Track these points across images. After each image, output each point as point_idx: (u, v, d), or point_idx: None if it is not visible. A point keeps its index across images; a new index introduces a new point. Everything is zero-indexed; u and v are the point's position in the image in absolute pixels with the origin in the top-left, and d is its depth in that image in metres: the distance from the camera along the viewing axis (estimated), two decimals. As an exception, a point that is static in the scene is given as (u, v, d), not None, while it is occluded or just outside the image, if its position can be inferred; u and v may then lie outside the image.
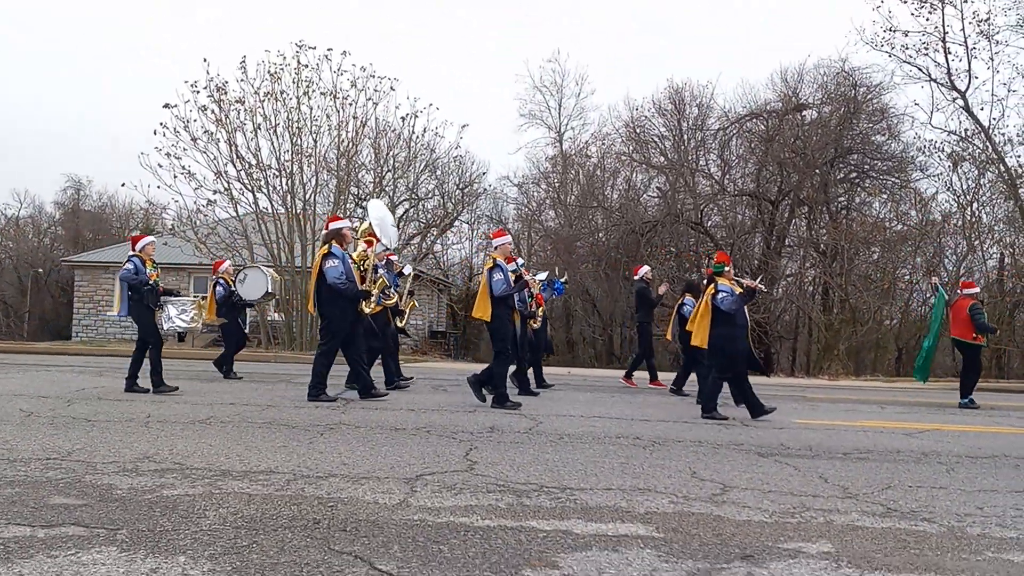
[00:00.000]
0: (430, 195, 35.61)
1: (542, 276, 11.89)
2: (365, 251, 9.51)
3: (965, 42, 22.56)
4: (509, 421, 7.28)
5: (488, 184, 38.73)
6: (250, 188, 23.59)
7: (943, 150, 24.50)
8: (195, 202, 23.35)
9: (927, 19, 22.79)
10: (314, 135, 23.63)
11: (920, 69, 23.28)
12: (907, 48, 23.12)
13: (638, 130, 31.91)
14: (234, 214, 23.84)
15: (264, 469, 4.65)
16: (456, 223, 38.06)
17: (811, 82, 28.61)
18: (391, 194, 27.88)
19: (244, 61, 23.15)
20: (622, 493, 4.30)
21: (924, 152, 25.36)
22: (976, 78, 22.96)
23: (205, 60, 23.14)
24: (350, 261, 8.85)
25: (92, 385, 9.98)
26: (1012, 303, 23.00)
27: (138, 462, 4.74)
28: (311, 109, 23.40)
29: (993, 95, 23.43)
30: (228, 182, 23.17)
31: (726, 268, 8.52)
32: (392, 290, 10.28)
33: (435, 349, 28.64)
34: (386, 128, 25.10)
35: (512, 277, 8.60)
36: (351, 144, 24.12)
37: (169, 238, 23.63)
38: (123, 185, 38.24)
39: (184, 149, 22.52)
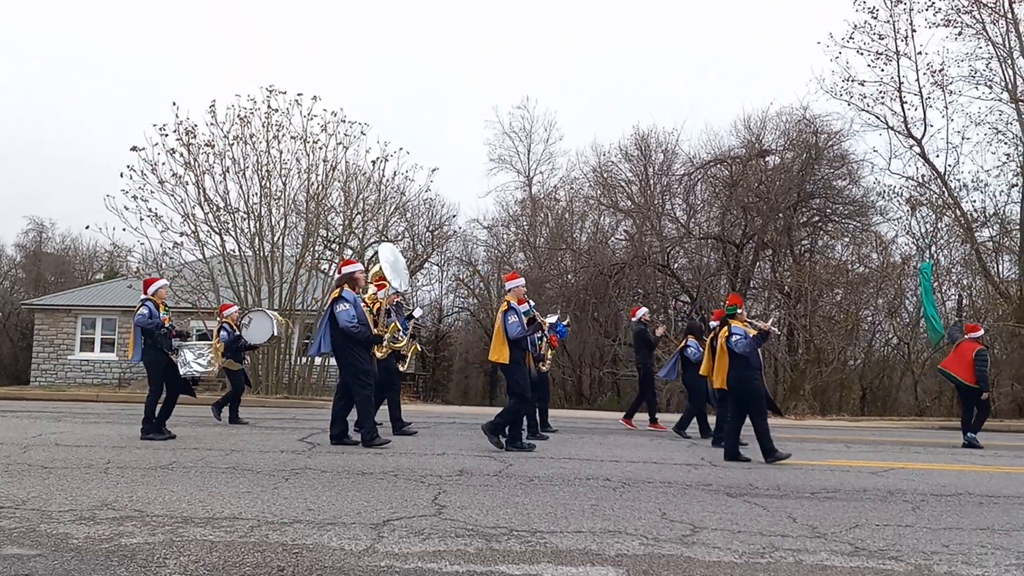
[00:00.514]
0: (400, 237, 35.60)
1: (552, 319, 11.91)
2: (375, 294, 9.45)
3: (920, 92, 23.37)
4: (479, 464, 7.21)
5: (458, 226, 38.93)
6: (218, 231, 23.42)
7: (902, 195, 25.19)
8: (161, 244, 23.11)
9: (883, 70, 23.59)
10: (283, 178, 23.63)
11: (878, 117, 24.01)
12: (865, 97, 23.86)
13: (606, 175, 32.42)
14: (201, 257, 23.61)
15: (227, 515, 4.54)
16: (426, 265, 38.08)
17: (774, 129, 29.39)
18: (360, 236, 27.82)
19: (214, 105, 23.12)
20: (592, 535, 4.26)
21: (884, 197, 26.05)
22: (931, 126, 23.76)
23: (174, 104, 22.95)
24: (363, 305, 8.76)
25: (50, 431, 9.72)
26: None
27: (96, 510, 4.61)
28: (281, 152, 23.43)
29: (948, 142, 24.31)
30: (195, 225, 22.98)
31: (739, 310, 8.60)
32: (402, 333, 10.23)
33: (403, 391, 28.34)
34: (356, 171, 25.16)
35: (525, 320, 8.60)
36: (321, 187, 24.13)
37: (134, 280, 23.28)
38: (87, 228, 37.75)
39: (151, 192, 22.35)
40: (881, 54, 23.48)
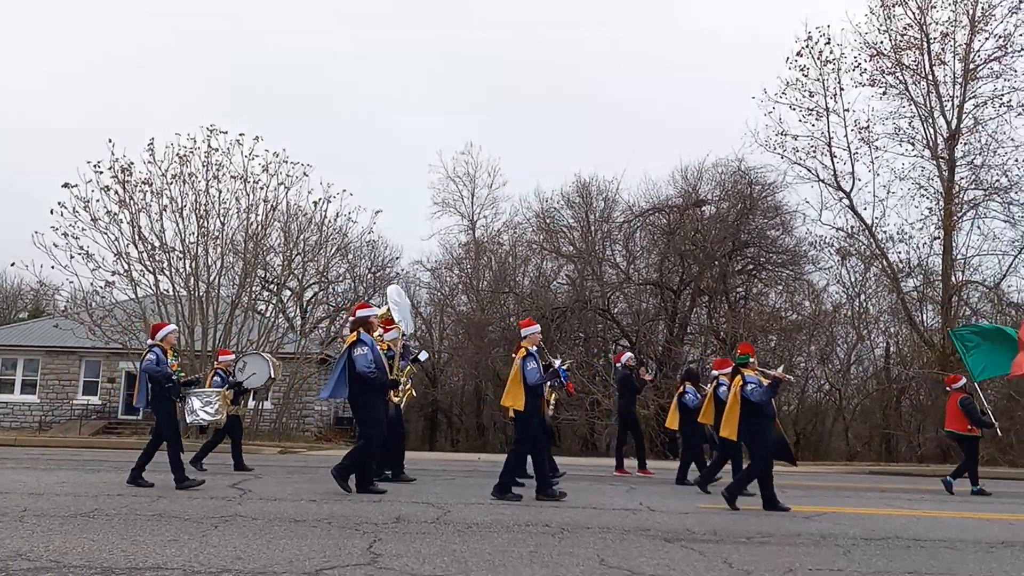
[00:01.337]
0: (341, 278, 35.27)
1: (556, 363, 11.90)
2: (381, 336, 9.33)
3: (848, 147, 24.45)
4: (416, 511, 7.09)
5: (401, 268, 38.73)
6: (152, 270, 22.88)
7: (832, 245, 26.15)
8: (92, 283, 22.44)
9: (814, 125, 24.65)
10: (222, 217, 23.30)
11: (809, 170, 24.99)
12: (797, 151, 24.85)
13: (548, 220, 32.83)
14: (133, 296, 22.97)
15: (151, 565, 4.35)
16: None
17: (710, 179, 30.26)
18: (300, 277, 27.48)
19: (152, 143, 22.76)
20: (530, 583, 4.21)
21: (815, 247, 27.00)
22: (859, 180, 24.84)
23: (110, 141, 22.49)
24: (379, 349, 8.63)
25: (-39, 477, 9.20)
26: (898, 390, 24.25)
27: (9, 560, 4.36)
28: (220, 192, 23.15)
29: (875, 196, 25.43)
30: (129, 263, 22.41)
31: (751, 359, 8.55)
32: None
33: (340, 436, 27.82)
34: (297, 212, 24.97)
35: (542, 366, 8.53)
36: (260, 227, 23.84)
37: (60, 320, 22.47)
38: (12, 264, 36.33)
39: (83, 229, 21.74)
40: (812, 110, 24.56)
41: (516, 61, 66.82)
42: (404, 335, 9.74)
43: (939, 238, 23.75)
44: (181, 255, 23.02)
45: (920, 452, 22.37)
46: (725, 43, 61.49)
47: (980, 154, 23.49)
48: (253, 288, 25.06)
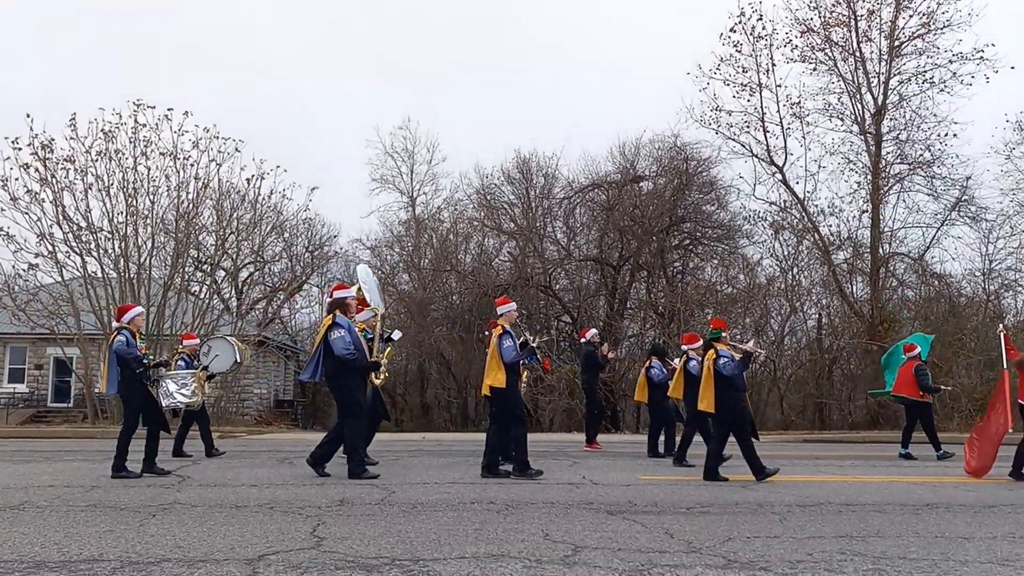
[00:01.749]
0: (277, 258, 34.61)
1: (535, 343, 11.85)
2: (353, 317, 9.04)
3: (781, 123, 24.96)
4: (360, 492, 7.05)
5: (339, 247, 38.20)
6: (78, 251, 22.06)
7: (766, 219, 26.76)
8: (14, 266, 21.52)
9: (748, 101, 25.07)
10: (151, 196, 22.56)
11: (743, 145, 25.44)
12: (732, 126, 25.26)
13: (489, 197, 32.74)
14: (59, 279, 22.11)
15: (86, 557, 4.23)
16: (305, 287, 37.11)
17: (647, 156, 30.56)
18: (234, 257, 26.86)
19: (74, 118, 21.82)
20: (476, 561, 4.24)
21: (749, 221, 27.59)
22: (792, 155, 25.39)
23: (28, 116, 21.48)
24: (357, 330, 8.44)
25: None
26: (830, 359, 25.06)
27: (-68, 559, 4.19)
28: (149, 169, 22.38)
29: (807, 170, 25.99)
30: (53, 245, 21.56)
31: (723, 334, 8.73)
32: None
33: (281, 419, 27.45)
34: (230, 189, 24.33)
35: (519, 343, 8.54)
36: (192, 206, 23.17)
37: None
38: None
39: (1, 209, 20.80)
40: (745, 86, 24.97)
41: (453, 35, 66.14)
42: (375, 315, 9.62)
43: (867, 211, 24.51)
44: (109, 235, 22.24)
45: (851, 419, 23.21)
46: (660, 17, 61.91)
47: (905, 129, 24.29)
48: (186, 269, 24.42)
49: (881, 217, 24.36)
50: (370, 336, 9.19)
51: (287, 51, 66.40)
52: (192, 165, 22.67)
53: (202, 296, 25.72)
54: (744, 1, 25.44)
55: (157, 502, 6.36)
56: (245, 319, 28.32)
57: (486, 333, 8.97)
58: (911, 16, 23.97)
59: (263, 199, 24.84)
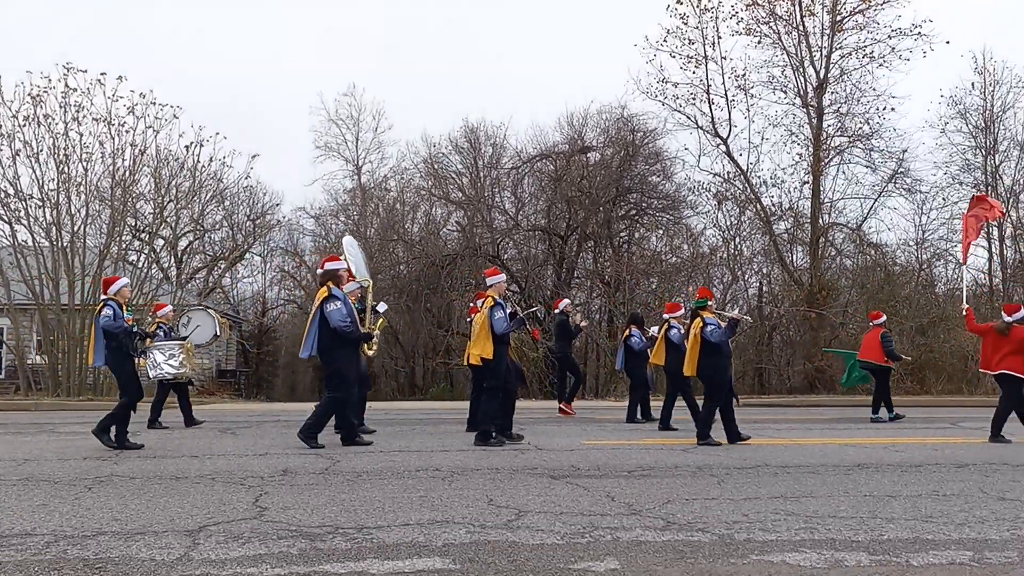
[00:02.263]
0: (217, 226, 33.82)
1: (526, 313, 11.92)
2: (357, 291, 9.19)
3: (726, 95, 25.18)
4: (304, 462, 7.01)
5: (282, 216, 37.46)
6: (7, 219, 21.23)
7: (710, 190, 27.08)
8: (-63, 235, 20.58)
9: (694, 72, 25.20)
10: (85, 163, 21.71)
11: (688, 117, 25.63)
12: (678, 98, 25.38)
13: (436, 166, 32.41)
14: (-14, 247, 21.27)
15: (18, 532, 4.13)
16: (247, 256, 36.40)
17: (595, 126, 30.54)
18: (173, 225, 26.14)
19: (-2, 80, 20.82)
20: (420, 527, 4.27)
21: (694, 192, 27.88)
22: (736, 127, 25.67)
23: (-51, 76, 20.43)
24: (351, 302, 8.41)
25: None
26: (770, 326, 25.68)
27: None
28: (81, 136, 21.52)
29: (750, 142, 26.30)
30: (-22, 212, 20.67)
31: (709, 302, 9.01)
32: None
33: (224, 389, 27.02)
34: (168, 157, 23.58)
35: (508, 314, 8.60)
36: (128, 173, 22.40)
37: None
38: None
39: (-79, 174, 19.84)
40: (691, 58, 25.08)
41: (400, 2, 64.86)
42: (362, 287, 9.56)
43: (808, 183, 25.00)
44: (40, 203, 21.41)
45: (789, 384, 23.88)
46: (610, -12, 61.63)
47: (845, 103, 24.73)
48: (123, 237, 23.66)
49: (821, 188, 24.87)
50: (361, 308, 9.23)
51: (226, 16, 64.32)
52: (128, 131, 21.90)
53: (140, 265, 25.01)
54: (691, -28, 25.44)
55: (93, 475, 6.23)
56: (185, 288, 27.67)
57: (472, 304, 8.99)
58: (853, -9, 24.33)
59: (203, 167, 24.19)
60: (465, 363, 10.45)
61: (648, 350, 11.90)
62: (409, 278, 30.15)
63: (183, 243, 30.89)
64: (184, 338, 10.53)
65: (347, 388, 8.21)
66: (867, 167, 25.17)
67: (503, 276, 9.20)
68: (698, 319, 8.81)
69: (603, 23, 61.48)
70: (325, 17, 64.35)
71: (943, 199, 25.93)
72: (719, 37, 24.93)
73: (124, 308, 8.37)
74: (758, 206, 25.66)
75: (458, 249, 29.84)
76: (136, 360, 8.55)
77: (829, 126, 24.91)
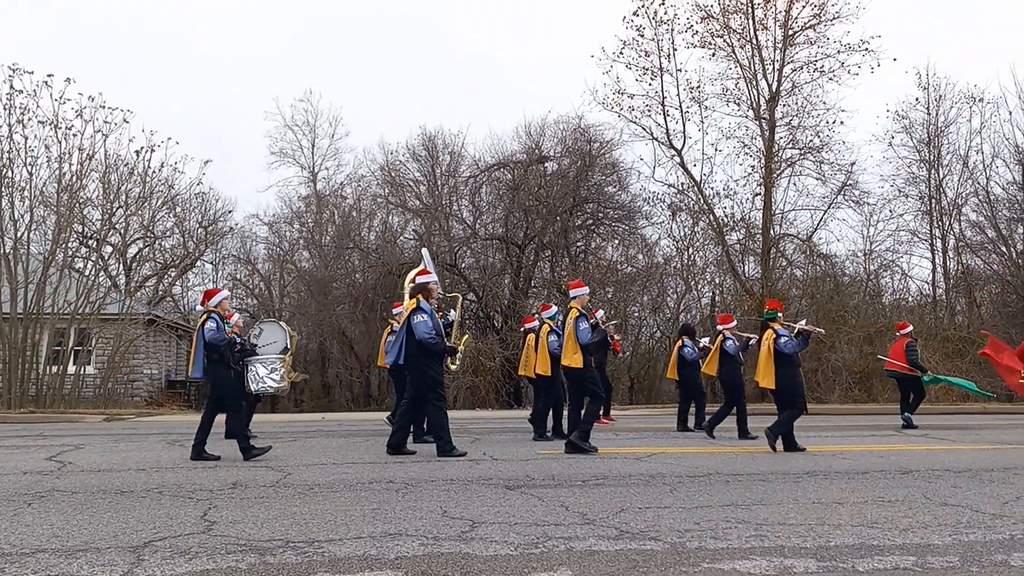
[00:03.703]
0: (168, 233, 33.15)
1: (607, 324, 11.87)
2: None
3: (680, 106, 25.61)
4: (254, 475, 6.88)
5: (235, 223, 36.85)
6: (-55, 224, 20.53)
7: (664, 201, 27.49)
8: None
9: (649, 84, 25.59)
10: (29, 167, 21.15)
11: (644, 129, 25.99)
12: (633, 109, 25.75)
13: (394, 174, 32.25)
14: (-77, 253, 20.53)
15: (-49, 552, 3.97)
16: (198, 263, 35.73)
17: (552, 136, 30.75)
18: (122, 232, 25.57)
19: (-63, 80, 20.18)
20: (372, 540, 4.22)
21: (649, 203, 28.27)
22: (690, 138, 26.11)
23: None
24: (437, 316, 8.63)
25: None
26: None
27: None
28: (26, 139, 20.96)
29: (704, 154, 26.82)
30: (-86, 216, 19.95)
31: (779, 314, 9.25)
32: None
33: (173, 400, 26.44)
34: (118, 162, 23.08)
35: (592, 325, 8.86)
36: (75, 178, 21.87)
37: None
38: None
39: None
40: (647, 70, 25.46)
41: (357, 9, 64.53)
42: (438, 297, 9.64)
43: (760, 194, 25.51)
44: (-18, 208, 20.78)
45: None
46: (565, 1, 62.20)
47: (797, 116, 25.34)
48: (69, 244, 23.07)
49: (772, 200, 25.41)
50: (448, 322, 9.36)
51: (179, 18, 63.23)
52: (75, 135, 21.41)
53: (87, 273, 24.40)
54: (647, -16, 25.81)
55: (33, 490, 6.03)
56: (135, 297, 27.06)
57: (528, 314, 9.31)
58: (804, 7, 24.96)
59: (154, 172, 23.76)
60: (530, 374, 10.91)
61: (700, 360, 12.42)
62: (365, 286, 29.92)
63: (133, 250, 30.27)
64: (285, 349, 10.29)
65: (442, 393, 8.45)
66: (817, 179, 25.79)
67: (586, 289, 9.54)
68: (769, 331, 9.05)
69: (561, 33, 61.98)
70: (283, 22, 63.74)
71: (890, 211, 26.71)
72: (674, 49, 25.39)
73: (225, 320, 8.44)
74: (711, 217, 26.08)
75: (415, 257, 29.68)
76: (234, 372, 8.57)
77: (781, 138, 25.48)
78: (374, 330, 28.66)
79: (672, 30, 25.29)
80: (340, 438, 11.15)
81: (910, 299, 26.97)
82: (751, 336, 10.16)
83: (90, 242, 25.75)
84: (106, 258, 26.91)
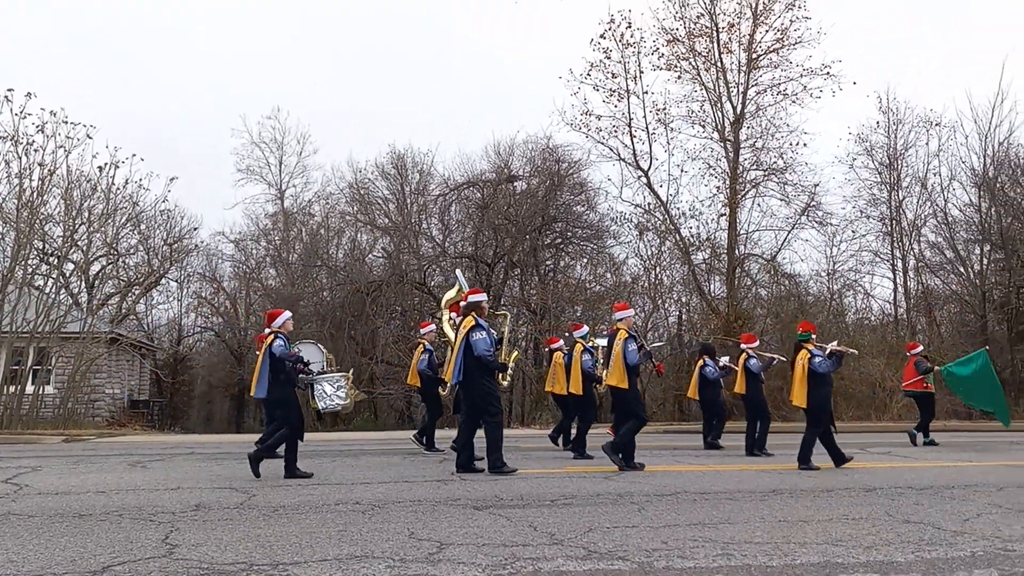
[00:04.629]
0: (132, 251, 32.62)
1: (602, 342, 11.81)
2: (452, 320, 9.57)
3: (647, 128, 25.88)
4: (218, 497, 6.76)
5: (201, 240, 36.40)
6: (-100, 240, 20.02)
7: (631, 221, 27.69)
8: None
9: (616, 106, 25.84)
10: (-12, 182, 20.72)
11: (611, 149, 26.22)
12: (601, 130, 25.96)
13: (362, 191, 32.15)
14: None
15: (-101, 579, 3.85)
16: (163, 281, 35.19)
17: (521, 156, 30.90)
18: (84, 249, 25.12)
19: None
20: (338, 563, 4.16)
21: (616, 222, 28.45)
22: (656, 159, 26.37)
23: None
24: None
25: None
26: (689, 353, 26.24)
27: None
28: (-15, 154, 20.56)
29: (670, 174, 27.08)
30: None
31: (812, 336, 9.58)
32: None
33: (136, 420, 25.90)
34: (81, 178, 22.73)
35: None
36: (36, 194, 21.47)
37: None
38: None
39: None
40: (614, 92, 25.73)
41: (326, 28, 64.57)
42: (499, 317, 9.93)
43: (725, 214, 25.81)
44: (-62, 224, 20.31)
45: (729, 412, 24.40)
46: (536, 20, 62.85)
47: (761, 137, 25.72)
48: (29, 261, 22.60)
49: (737, 220, 25.71)
50: (497, 339, 9.54)
51: (146, 35, 62.69)
52: (37, 151, 21.05)
53: (48, 290, 23.89)
54: (614, 8, 26.23)
55: (-12, 514, 5.86)
56: (97, 315, 26.53)
57: (552, 335, 9.58)
58: (767, 31, 25.45)
59: (117, 188, 23.42)
60: (559, 390, 11.66)
61: (721, 379, 12.79)
62: (333, 305, 29.69)
63: (95, 268, 29.69)
64: (348, 370, 10.17)
65: (500, 408, 8.65)
66: (781, 200, 26.16)
67: (632, 311, 9.77)
68: (804, 351, 9.34)
69: (530, 55, 62.52)
70: (249, 39, 63.50)
71: (852, 232, 27.20)
72: (641, 72, 25.68)
73: (289, 340, 8.54)
74: (677, 236, 26.33)
75: (384, 276, 29.58)
76: (296, 390, 8.63)
77: (745, 160, 25.84)
78: (342, 349, 28.41)
79: (638, 53, 25.63)
80: (305, 459, 10.97)
81: (873, 318, 27.46)
82: (774, 356, 10.64)
83: (51, 259, 25.24)
84: (67, 275, 26.38)
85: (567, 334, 12.24)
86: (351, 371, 10.14)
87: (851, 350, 10.37)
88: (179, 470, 9.24)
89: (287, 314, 8.84)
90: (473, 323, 8.58)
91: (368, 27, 63.63)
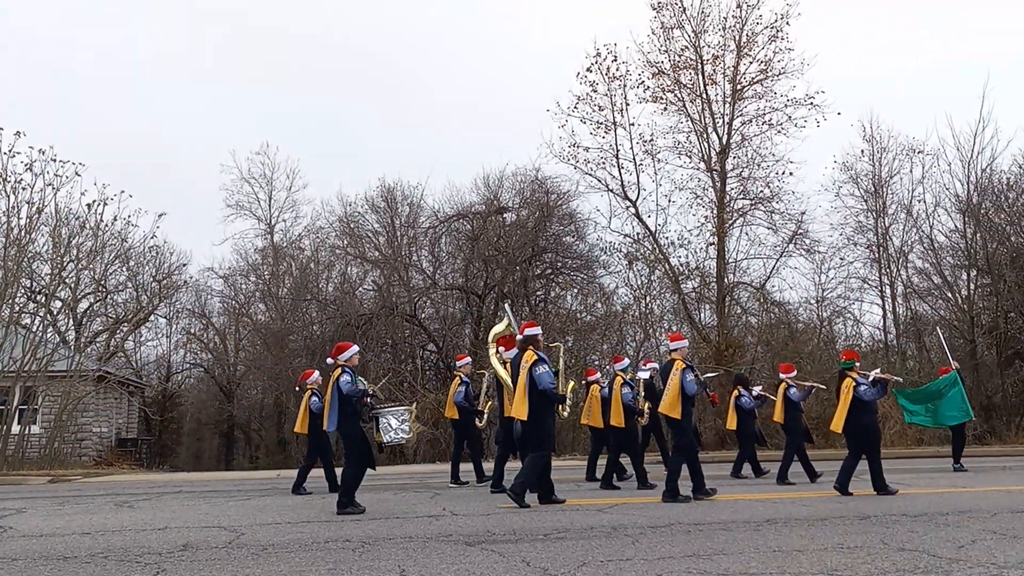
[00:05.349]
0: (121, 288, 32.48)
1: (644, 375, 12.04)
2: (501, 354, 9.76)
3: (634, 159, 26.10)
4: (206, 536, 6.66)
5: (189, 276, 36.29)
6: None
7: (621, 251, 27.80)
8: None
9: (603, 138, 26.08)
10: (-26, 221, 20.66)
11: (599, 181, 26.40)
12: (588, 162, 26.16)
13: (352, 225, 32.19)
14: None
15: None
16: (151, 318, 35.00)
17: (510, 188, 31.08)
18: (72, 287, 25.00)
19: None
20: (327, 603, 4.09)
21: (606, 252, 28.56)
22: (644, 190, 26.56)
23: None
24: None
25: None
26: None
27: None
28: (-27, 193, 20.53)
29: (658, 204, 27.23)
30: None
31: (856, 363, 9.69)
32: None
33: (124, 459, 25.58)
34: (69, 215, 22.69)
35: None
36: (24, 232, 21.42)
37: None
38: None
39: None
40: (601, 124, 25.98)
41: (318, 63, 65.15)
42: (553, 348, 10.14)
43: (713, 243, 25.96)
44: (-77, 263, 20.19)
45: (701, 440, 24.25)
46: (523, 54, 63.64)
47: (747, 167, 25.97)
48: (16, 299, 22.46)
49: (726, 249, 25.84)
50: (554, 371, 9.52)
51: (133, 71, 63.08)
52: (25, 189, 21.05)
53: (35, 328, 23.72)
54: (600, 43, 26.61)
55: (-30, 558, 5.75)
56: (84, 352, 26.32)
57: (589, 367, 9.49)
58: (751, 63, 25.81)
59: (106, 225, 23.39)
60: (595, 423, 11.83)
61: (756, 409, 12.99)
62: (323, 338, 29.55)
63: (83, 305, 29.55)
64: (414, 402, 10.15)
65: (552, 445, 8.75)
66: (768, 228, 26.34)
67: (685, 342, 9.89)
68: (848, 379, 9.45)
69: (519, 87, 63.17)
70: (238, 76, 63.95)
71: (840, 259, 27.36)
72: (627, 104, 25.96)
73: (356, 374, 8.49)
74: (667, 266, 26.43)
75: (374, 308, 29.53)
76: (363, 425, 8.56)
77: (732, 189, 26.05)
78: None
79: (624, 85, 25.92)
80: (296, 496, 10.87)
81: (863, 345, 27.50)
82: (814, 384, 11.13)
83: (38, 297, 25.11)
84: (55, 313, 26.22)
85: (607, 367, 12.37)
86: (415, 404, 10.14)
87: (895, 377, 10.49)
88: (166, 509, 9.11)
89: (355, 348, 8.72)
90: (535, 357, 8.61)
91: (356, 61, 64.28)
